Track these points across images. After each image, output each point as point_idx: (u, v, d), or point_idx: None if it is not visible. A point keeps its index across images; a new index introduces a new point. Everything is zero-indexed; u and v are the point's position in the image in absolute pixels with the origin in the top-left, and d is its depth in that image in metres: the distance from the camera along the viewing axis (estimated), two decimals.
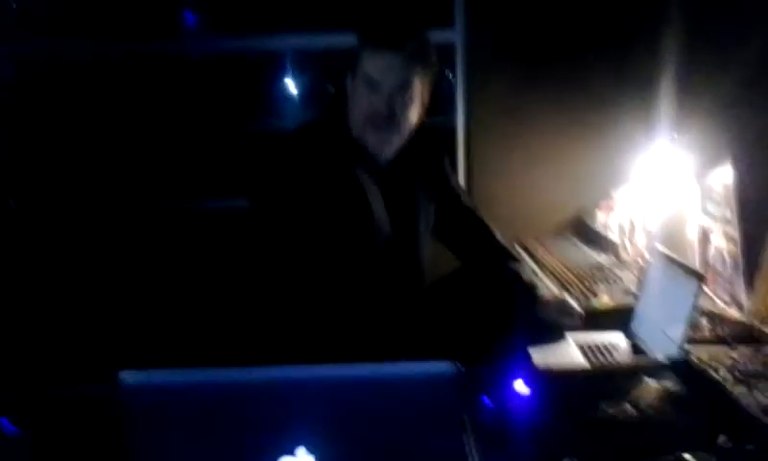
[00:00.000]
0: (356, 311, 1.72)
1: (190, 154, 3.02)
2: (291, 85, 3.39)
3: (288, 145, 1.79)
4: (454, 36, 2.72)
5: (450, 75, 2.81)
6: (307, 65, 3.31)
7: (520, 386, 1.23)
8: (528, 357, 1.57)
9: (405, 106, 1.69)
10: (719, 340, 1.60)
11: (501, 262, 1.91)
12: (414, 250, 1.83)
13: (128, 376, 0.82)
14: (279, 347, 1.63)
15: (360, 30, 1.74)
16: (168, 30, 3.04)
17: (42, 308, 2.60)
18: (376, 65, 1.66)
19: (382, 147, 1.72)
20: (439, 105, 2.86)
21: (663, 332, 1.52)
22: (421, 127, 1.85)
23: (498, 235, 1.97)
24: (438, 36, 2.67)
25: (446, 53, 2.76)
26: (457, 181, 2.02)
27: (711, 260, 1.87)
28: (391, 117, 1.68)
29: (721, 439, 1.04)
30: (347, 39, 1.83)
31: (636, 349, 1.60)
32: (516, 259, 1.96)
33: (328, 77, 2.93)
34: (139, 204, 2.82)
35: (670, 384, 1.28)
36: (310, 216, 1.67)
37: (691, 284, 1.47)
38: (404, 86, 1.67)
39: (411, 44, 1.68)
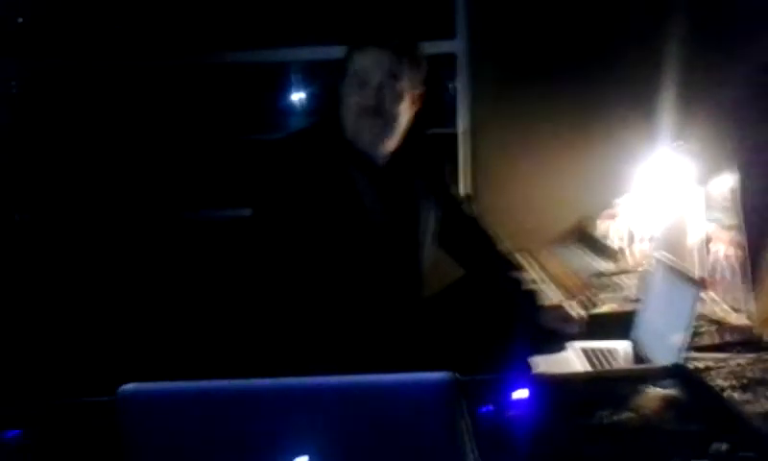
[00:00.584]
0: (355, 314, 1.73)
1: (194, 164, 3.05)
2: (297, 97, 3.43)
3: (281, 149, 1.81)
4: (456, 46, 2.74)
5: (452, 85, 2.83)
6: (314, 77, 3.35)
7: (521, 393, 1.23)
8: (529, 365, 1.57)
9: (394, 100, 1.71)
10: (723, 346, 1.59)
11: (503, 270, 1.91)
12: (414, 254, 1.83)
13: (127, 389, 0.82)
14: (277, 353, 1.63)
15: (350, 38, 1.77)
16: (175, 44, 3.08)
17: (44, 319, 2.62)
18: (364, 62, 1.70)
19: (375, 144, 1.74)
20: (441, 115, 2.90)
21: (665, 339, 1.51)
22: (421, 134, 1.87)
23: (500, 244, 1.97)
24: (440, 47, 2.72)
25: (448, 63, 2.79)
26: (457, 191, 2.02)
27: (715, 266, 1.87)
28: (380, 111, 1.70)
29: (714, 446, 1.03)
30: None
31: (638, 356, 1.60)
32: (517, 268, 1.96)
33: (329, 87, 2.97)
34: (143, 214, 2.84)
35: (671, 391, 1.27)
36: (304, 216, 1.69)
37: (691, 292, 1.46)
38: (392, 79, 1.70)
39: (397, 41, 1.72)
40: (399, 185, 1.80)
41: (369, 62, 1.69)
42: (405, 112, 1.75)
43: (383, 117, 1.71)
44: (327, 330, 1.67)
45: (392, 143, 1.76)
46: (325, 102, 1.78)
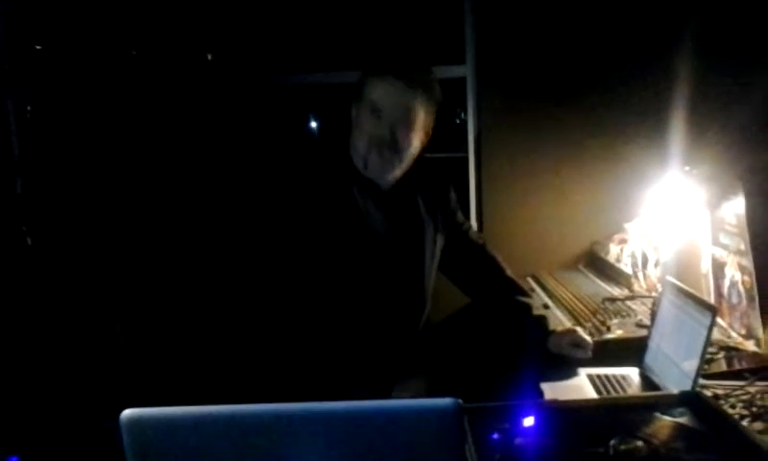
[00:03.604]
0: (359, 336, 1.71)
1: (200, 183, 3.07)
2: (306, 122, 3.46)
3: (287, 169, 1.81)
4: (465, 71, 2.76)
5: (462, 113, 2.84)
6: (322, 101, 3.38)
7: (529, 421, 1.21)
8: (539, 390, 1.55)
9: (408, 132, 1.71)
10: (735, 374, 1.57)
11: (511, 296, 1.89)
12: (419, 277, 1.82)
13: (130, 414, 0.82)
14: (280, 374, 1.62)
15: (365, 63, 1.77)
16: (188, 66, 3.13)
17: (52, 344, 2.62)
18: (380, 92, 1.69)
19: (384, 172, 1.74)
20: (451, 140, 2.91)
21: (677, 366, 1.49)
22: (428, 160, 1.87)
23: (508, 270, 1.96)
24: (450, 72, 2.74)
25: (458, 88, 2.80)
26: (463, 217, 2.01)
27: (726, 292, 1.85)
28: (393, 142, 1.69)
29: None
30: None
31: (650, 383, 1.57)
32: (526, 293, 1.95)
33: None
34: (154, 236, 2.86)
35: (684, 420, 1.25)
36: (308, 238, 1.68)
37: (705, 317, 1.44)
38: (407, 112, 1.69)
39: (414, 73, 1.70)
40: (403, 208, 1.80)
41: (384, 94, 1.68)
42: (417, 144, 1.75)
43: (395, 150, 1.70)
44: (331, 352, 1.66)
45: (400, 173, 1.76)
46: (335, 125, 1.78)
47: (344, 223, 1.70)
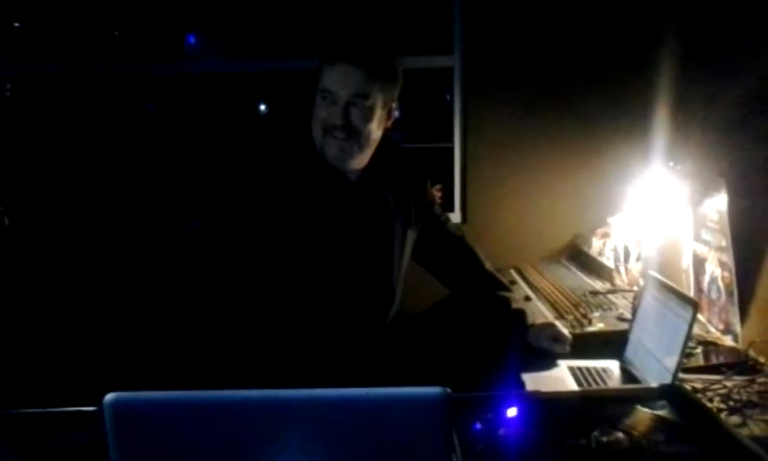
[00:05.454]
0: (326, 330, 1.71)
1: (179, 174, 3.04)
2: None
3: (252, 161, 1.79)
4: (453, 61, 2.76)
5: (449, 103, 2.85)
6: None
7: (512, 412, 1.22)
8: (520, 383, 1.56)
9: (363, 118, 1.67)
10: (713, 368, 1.59)
11: (490, 289, 1.89)
12: (387, 272, 1.80)
13: (113, 398, 0.81)
14: (249, 367, 1.61)
15: (320, 49, 1.75)
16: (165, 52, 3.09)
17: (30, 327, 2.59)
18: (332, 78, 1.66)
19: (343, 158, 1.71)
20: (437, 130, 2.91)
21: (657, 360, 1.51)
22: (404, 151, 1.86)
23: (487, 263, 1.95)
24: (437, 62, 2.74)
25: (445, 78, 2.80)
26: (441, 210, 1.99)
27: (706, 288, 1.87)
28: (346, 128, 1.66)
29: None
30: None
31: (630, 376, 1.59)
32: (505, 287, 1.94)
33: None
34: (131, 221, 2.83)
35: (663, 413, 1.27)
36: (267, 229, 1.67)
37: (686, 312, 1.46)
38: (360, 98, 1.66)
39: (367, 58, 1.66)
40: (371, 202, 1.78)
41: (337, 79, 1.65)
42: (375, 129, 1.71)
43: (350, 135, 1.67)
44: (297, 347, 1.65)
45: (361, 159, 1.74)
46: (300, 112, 1.75)
47: (301, 217, 1.68)
